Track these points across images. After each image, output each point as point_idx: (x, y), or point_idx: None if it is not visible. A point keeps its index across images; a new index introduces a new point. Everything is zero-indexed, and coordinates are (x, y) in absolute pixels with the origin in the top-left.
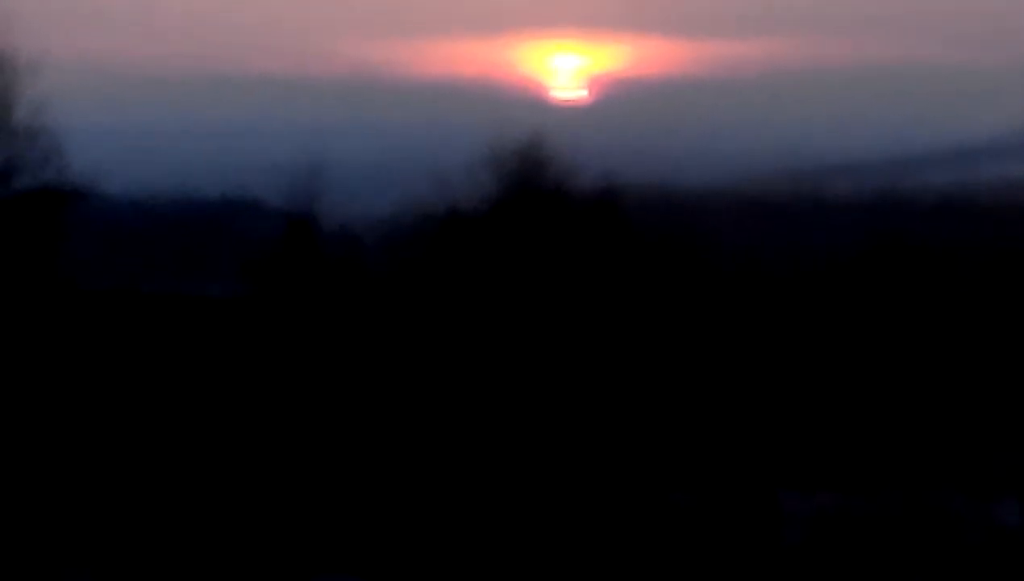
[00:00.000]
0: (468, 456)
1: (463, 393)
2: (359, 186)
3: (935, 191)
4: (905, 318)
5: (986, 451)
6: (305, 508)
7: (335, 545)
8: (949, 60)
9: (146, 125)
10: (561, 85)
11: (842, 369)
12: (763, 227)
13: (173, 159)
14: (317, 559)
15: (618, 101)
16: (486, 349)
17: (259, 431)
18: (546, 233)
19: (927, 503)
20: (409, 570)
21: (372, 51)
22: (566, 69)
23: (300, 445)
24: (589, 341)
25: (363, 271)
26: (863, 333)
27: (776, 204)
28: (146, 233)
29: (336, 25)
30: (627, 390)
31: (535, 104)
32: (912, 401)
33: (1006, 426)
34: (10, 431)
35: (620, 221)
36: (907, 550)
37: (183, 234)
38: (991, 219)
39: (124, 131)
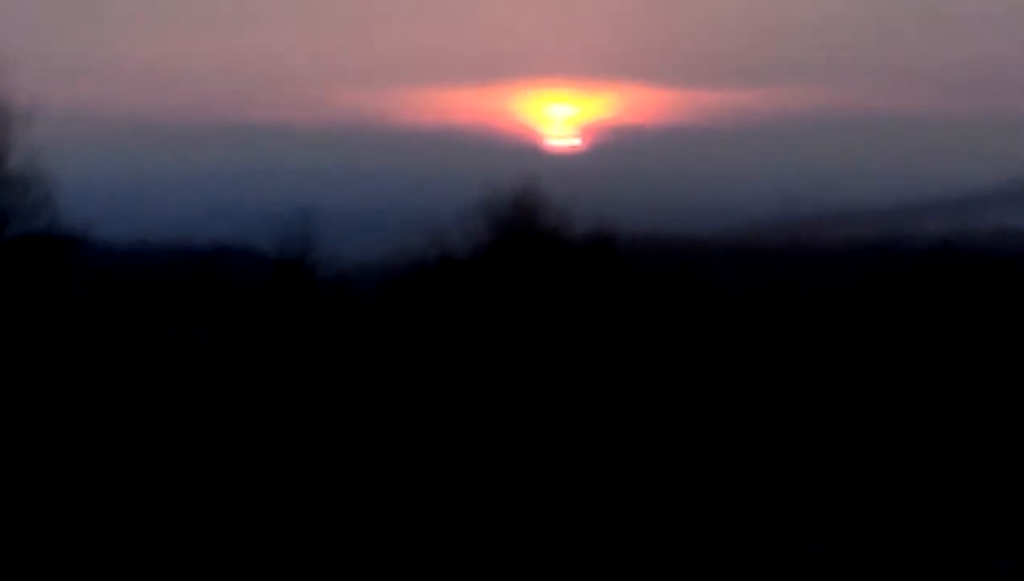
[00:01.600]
0: (463, 496)
1: (456, 432)
2: (353, 233)
3: (933, 239)
4: (902, 358)
5: (984, 506)
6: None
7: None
8: (946, 109)
9: (140, 173)
10: (555, 133)
11: (838, 410)
12: (759, 273)
13: (167, 207)
14: None
15: (612, 149)
16: (476, 393)
17: (251, 471)
18: (539, 279)
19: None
20: None
21: (367, 100)
22: (560, 117)
23: (294, 483)
24: (583, 382)
25: (356, 316)
26: (860, 373)
27: (772, 251)
28: (139, 279)
29: (331, 74)
30: (616, 430)
31: (529, 152)
32: (909, 445)
33: (1003, 480)
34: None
35: (614, 267)
36: None
37: (176, 281)
38: (988, 267)
39: (118, 179)
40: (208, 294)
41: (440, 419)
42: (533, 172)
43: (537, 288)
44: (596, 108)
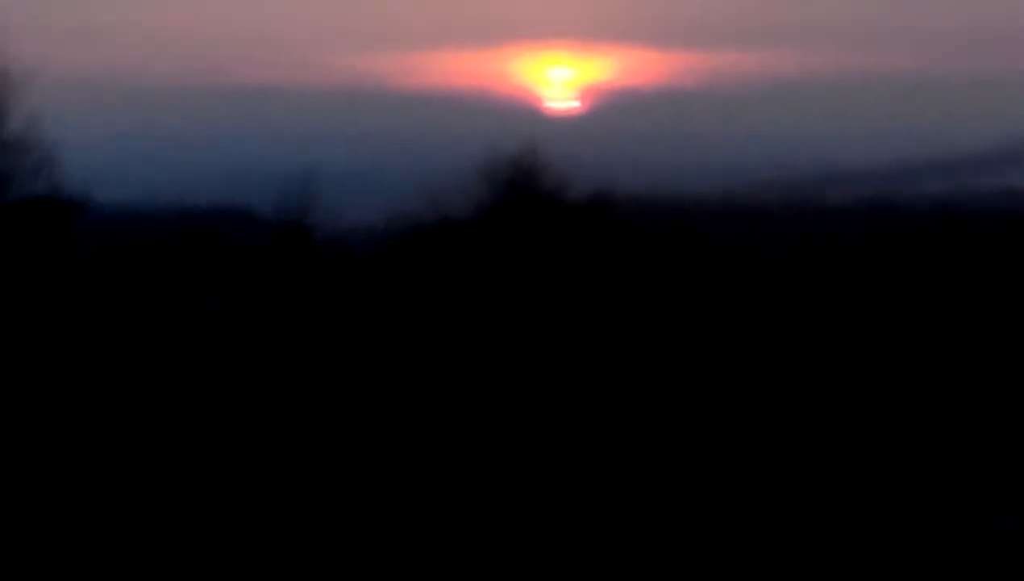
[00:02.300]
0: (464, 461)
1: (457, 396)
2: (353, 196)
3: (931, 200)
4: (901, 321)
5: (982, 461)
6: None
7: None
8: (945, 70)
9: (139, 136)
10: (554, 96)
11: (837, 372)
12: (757, 234)
13: (166, 169)
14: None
15: (612, 111)
16: (475, 353)
17: (253, 433)
18: (538, 241)
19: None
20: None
21: (367, 63)
22: (559, 80)
23: (295, 447)
24: (582, 346)
25: (356, 278)
26: (858, 335)
27: (769, 212)
28: (139, 243)
29: (331, 37)
30: (618, 393)
31: (528, 115)
32: (908, 407)
33: (1002, 435)
34: (10, 436)
35: (612, 228)
36: (902, 557)
37: (176, 243)
38: (989, 227)
39: (117, 142)
40: (208, 256)
41: (439, 379)
42: (532, 134)
43: (536, 250)
44: (595, 71)
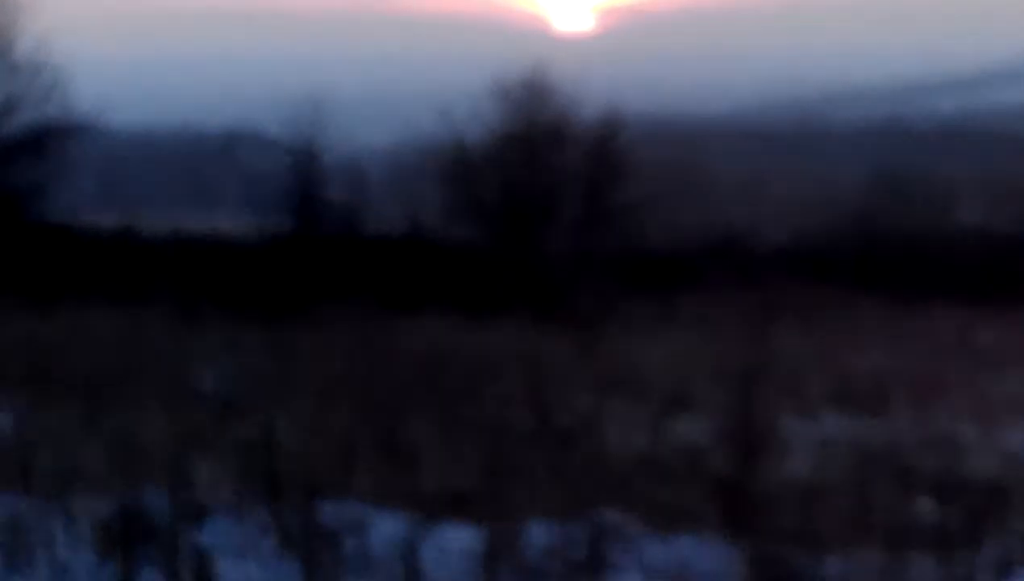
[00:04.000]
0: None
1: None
2: (362, 118)
3: (941, 118)
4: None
5: (992, 379)
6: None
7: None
8: None
9: (149, 59)
10: (567, 17)
11: (841, 295)
12: (768, 155)
13: (175, 92)
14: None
15: (623, 32)
16: (482, 277)
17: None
18: (548, 162)
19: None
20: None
21: None
22: (571, 1)
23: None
24: (587, 264)
25: (366, 201)
26: (865, 260)
27: (781, 132)
28: (149, 166)
29: None
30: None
31: (540, 36)
32: (915, 328)
33: (1009, 356)
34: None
35: (623, 150)
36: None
37: (186, 166)
38: (997, 147)
39: (126, 64)
40: (218, 179)
41: (445, 303)
42: (544, 56)
43: (546, 171)
44: None
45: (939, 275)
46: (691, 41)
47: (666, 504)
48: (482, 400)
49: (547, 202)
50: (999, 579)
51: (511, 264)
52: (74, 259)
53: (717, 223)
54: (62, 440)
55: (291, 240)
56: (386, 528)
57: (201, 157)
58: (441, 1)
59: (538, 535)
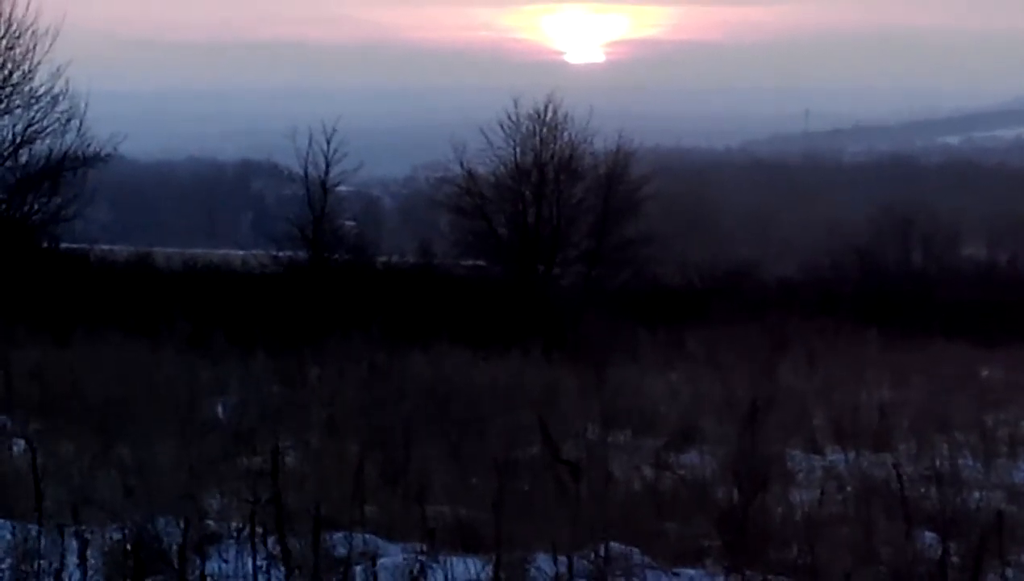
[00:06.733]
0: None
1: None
2: (375, 149)
3: (947, 152)
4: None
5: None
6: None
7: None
8: (964, 25)
9: (164, 90)
10: (577, 50)
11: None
12: (775, 188)
13: (191, 123)
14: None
15: (633, 65)
16: (494, 302)
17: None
18: (559, 191)
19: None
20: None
21: (389, 17)
22: (582, 33)
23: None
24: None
25: (379, 232)
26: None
27: (790, 165)
28: (164, 196)
29: None
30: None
31: (552, 68)
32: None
33: (1011, 391)
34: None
35: (630, 180)
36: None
37: (201, 196)
38: (1001, 180)
39: (142, 96)
40: (232, 209)
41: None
42: (553, 88)
43: (556, 204)
44: (616, 24)
45: (943, 311)
46: (700, 75)
47: (672, 537)
48: (490, 432)
49: (557, 235)
50: None
51: (521, 296)
52: (89, 288)
53: (725, 256)
54: (75, 468)
55: (304, 270)
56: (394, 559)
57: (216, 187)
58: (453, 34)
59: (545, 567)
